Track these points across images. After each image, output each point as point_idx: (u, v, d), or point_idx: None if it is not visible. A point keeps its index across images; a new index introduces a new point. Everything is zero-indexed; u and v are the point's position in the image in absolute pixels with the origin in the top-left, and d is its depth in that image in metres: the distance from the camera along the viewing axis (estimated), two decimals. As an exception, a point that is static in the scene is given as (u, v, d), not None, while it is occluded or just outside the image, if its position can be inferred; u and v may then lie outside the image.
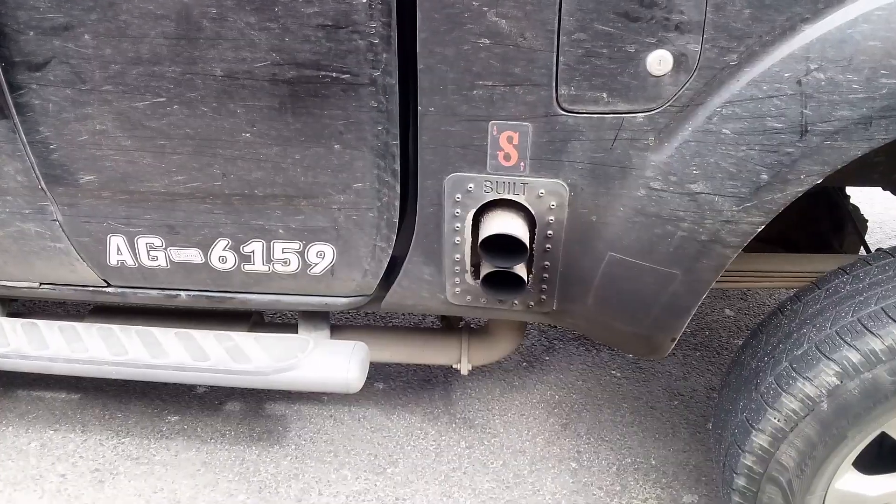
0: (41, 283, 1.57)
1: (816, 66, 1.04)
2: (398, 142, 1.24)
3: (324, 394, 2.23)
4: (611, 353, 2.45)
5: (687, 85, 1.11)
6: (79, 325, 1.60)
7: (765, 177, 1.11)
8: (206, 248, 1.41)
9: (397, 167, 1.27)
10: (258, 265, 1.42)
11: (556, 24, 1.09)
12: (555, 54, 1.11)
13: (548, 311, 1.44)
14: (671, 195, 1.17)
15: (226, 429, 2.14)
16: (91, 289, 1.56)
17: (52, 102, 1.26)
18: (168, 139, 1.27)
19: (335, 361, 1.47)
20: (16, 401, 2.23)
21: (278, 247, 1.39)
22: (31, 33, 1.20)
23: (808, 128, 1.07)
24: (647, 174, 1.18)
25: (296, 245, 1.39)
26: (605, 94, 1.14)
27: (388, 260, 1.40)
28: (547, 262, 1.34)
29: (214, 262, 1.44)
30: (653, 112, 1.14)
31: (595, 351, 2.46)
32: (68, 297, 1.59)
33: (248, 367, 1.48)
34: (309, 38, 1.15)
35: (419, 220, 1.32)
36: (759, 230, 1.16)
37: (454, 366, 1.76)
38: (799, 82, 1.06)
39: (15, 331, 1.59)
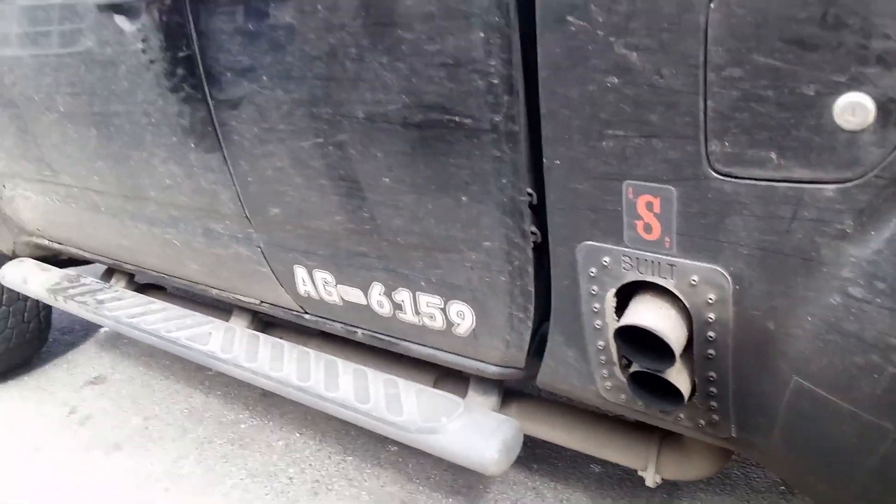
0: (261, 302, 1.74)
1: None
2: (528, 199, 1.05)
3: (532, 463, 2.04)
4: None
5: (903, 145, 0.71)
6: (286, 345, 1.72)
7: None
8: (365, 289, 1.39)
9: (528, 228, 1.07)
10: (409, 315, 1.35)
11: (702, 57, 0.80)
12: (701, 97, 0.82)
13: (727, 438, 1.07)
14: (878, 311, 0.77)
15: (433, 472, 2.10)
16: (294, 313, 1.66)
17: (247, 139, 1.37)
18: (327, 178, 1.28)
19: (475, 436, 1.31)
20: (283, 398, 2.52)
21: (423, 299, 1.30)
22: (229, 74, 1.32)
23: None
24: (844, 274, 0.79)
25: (437, 300, 1.28)
26: (773, 154, 0.79)
27: (531, 333, 1.20)
28: (712, 374, 0.99)
29: (374, 306, 1.41)
30: (848, 184, 0.76)
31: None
32: (282, 316, 1.73)
33: (396, 420, 1.41)
34: (433, 79, 1.05)
35: (554, 292, 1.10)
36: None
37: (640, 473, 1.44)
38: None
39: (241, 341, 1.78)
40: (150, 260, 1.91)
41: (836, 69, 0.72)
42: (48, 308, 2.77)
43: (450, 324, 1.30)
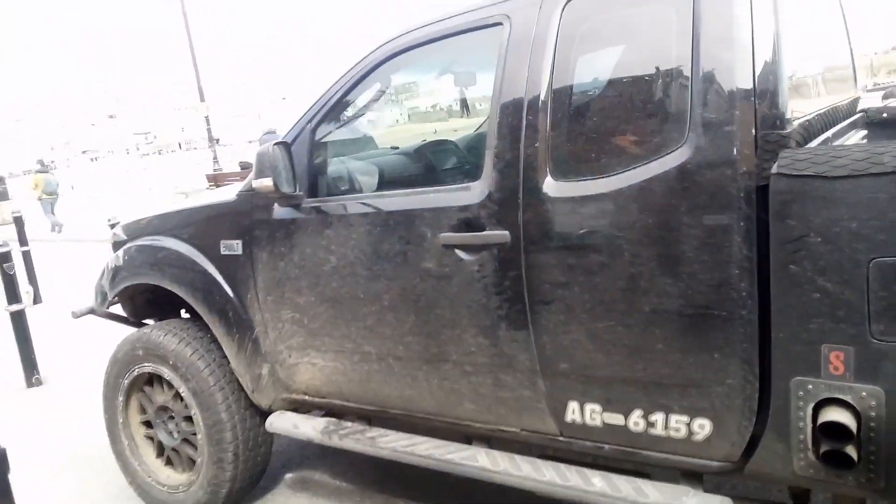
0: (521, 430, 2.56)
1: None
2: (757, 354, 1.96)
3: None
4: None
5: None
6: (538, 461, 2.52)
7: None
8: (627, 414, 2.25)
9: (756, 371, 1.98)
10: (659, 430, 2.20)
11: (866, 285, 1.76)
12: (866, 304, 1.77)
13: (878, 489, 1.91)
14: (966, 402, 1.67)
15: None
16: (549, 437, 2.48)
17: (551, 323, 2.29)
18: (613, 346, 2.19)
19: (710, 508, 2.12)
20: None
21: (673, 418, 2.16)
22: (547, 285, 2.26)
23: None
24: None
25: (685, 418, 2.14)
26: (907, 331, 1.73)
27: (750, 436, 2.05)
28: (872, 448, 1.86)
29: (630, 426, 2.25)
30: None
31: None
32: (533, 441, 2.54)
33: (648, 501, 2.21)
34: (702, 291, 2.00)
35: (772, 409, 1.98)
36: None
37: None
38: None
39: (502, 459, 2.57)
40: (428, 405, 2.73)
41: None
42: (270, 455, 3.49)
43: (691, 433, 2.14)
